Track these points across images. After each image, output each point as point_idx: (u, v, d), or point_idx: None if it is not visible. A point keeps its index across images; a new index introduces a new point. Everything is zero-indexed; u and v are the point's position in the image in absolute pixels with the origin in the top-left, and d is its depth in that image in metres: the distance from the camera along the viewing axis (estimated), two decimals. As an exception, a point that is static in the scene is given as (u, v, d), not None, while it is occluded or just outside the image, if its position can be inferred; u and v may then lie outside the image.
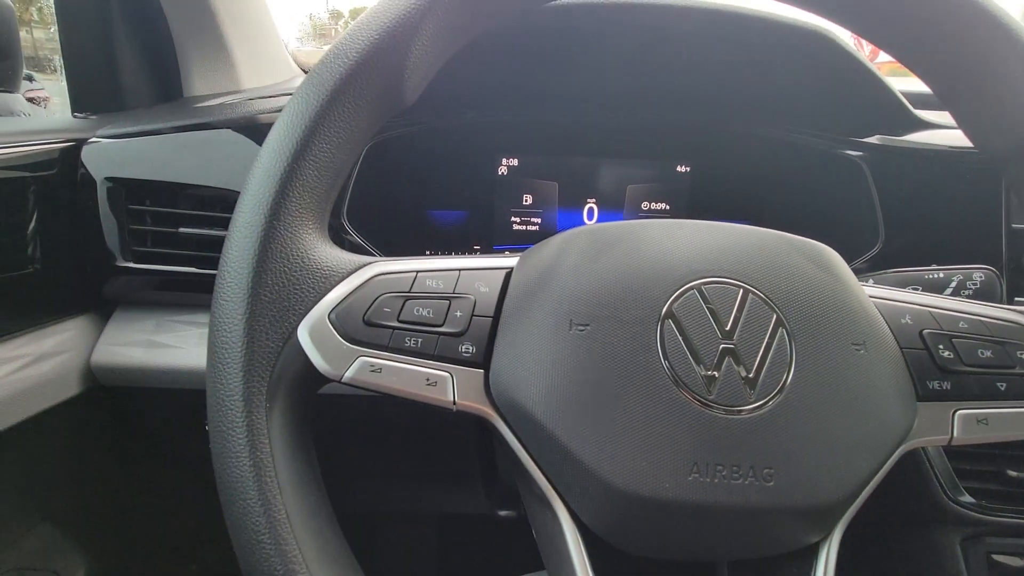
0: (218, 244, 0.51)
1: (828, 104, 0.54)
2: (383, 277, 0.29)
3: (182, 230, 0.49)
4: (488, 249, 0.66)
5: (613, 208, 0.66)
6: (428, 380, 0.28)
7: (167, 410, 0.53)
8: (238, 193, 0.49)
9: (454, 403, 0.28)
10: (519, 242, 0.67)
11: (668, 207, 0.65)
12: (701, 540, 0.26)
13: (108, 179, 0.48)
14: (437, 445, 0.61)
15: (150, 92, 0.60)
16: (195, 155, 0.49)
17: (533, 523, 0.30)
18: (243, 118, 0.50)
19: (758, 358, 0.26)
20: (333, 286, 0.28)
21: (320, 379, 0.27)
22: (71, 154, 0.49)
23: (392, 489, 0.72)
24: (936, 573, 0.52)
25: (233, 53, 0.63)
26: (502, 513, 0.57)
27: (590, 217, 0.67)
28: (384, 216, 0.60)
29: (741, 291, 0.27)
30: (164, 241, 0.50)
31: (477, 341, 0.28)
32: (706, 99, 0.60)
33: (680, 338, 0.26)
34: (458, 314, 0.29)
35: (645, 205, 0.66)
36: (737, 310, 0.26)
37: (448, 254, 0.57)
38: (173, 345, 0.50)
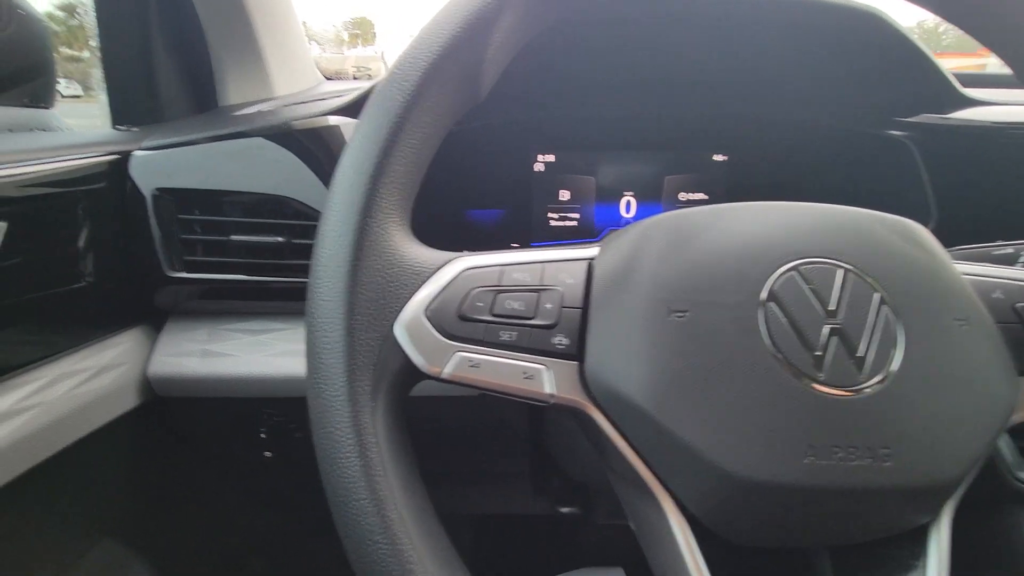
0: (269, 250, 0.51)
1: (873, 85, 0.54)
2: (471, 272, 0.29)
3: (233, 238, 0.49)
4: (526, 246, 0.66)
5: (651, 200, 0.66)
6: (525, 374, 0.27)
7: (222, 419, 0.53)
8: (286, 199, 0.50)
9: (552, 396, 0.27)
10: (556, 238, 0.66)
11: (706, 197, 0.65)
12: (812, 525, 0.26)
13: (158, 190, 0.49)
14: (476, 445, 0.61)
15: (187, 103, 0.60)
16: (241, 163, 0.49)
17: (633, 517, 0.30)
18: (286, 125, 0.50)
19: (865, 337, 0.25)
20: (424, 282, 0.28)
21: (417, 376, 0.27)
22: (117, 166, 0.49)
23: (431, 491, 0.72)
24: (1004, 553, 0.51)
25: (267, 61, 0.63)
26: (564, 510, 0.57)
27: (627, 211, 0.66)
28: (421, 216, 0.60)
29: (841, 271, 0.27)
30: (215, 250, 0.50)
31: (569, 333, 0.28)
32: (743, 85, 0.59)
33: (784, 319, 0.26)
34: (548, 306, 0.28)
35: (683, 196, 0.66)
36: (839, 289, 0.26)
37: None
38: (227, 353, 0.50)
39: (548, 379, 0.28)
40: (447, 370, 0.27)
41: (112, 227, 0.49)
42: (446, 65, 0.28)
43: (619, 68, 0.60)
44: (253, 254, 0.50)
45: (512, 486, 0.68)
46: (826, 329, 0.26)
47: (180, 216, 0.49)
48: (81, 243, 0.47)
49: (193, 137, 0.50)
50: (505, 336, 0.27)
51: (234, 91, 0.63)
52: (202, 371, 0.49)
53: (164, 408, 0.52)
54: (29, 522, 0.46)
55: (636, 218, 0.61)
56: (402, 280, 0.27)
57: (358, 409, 0.25)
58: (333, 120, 0.51)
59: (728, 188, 0.64)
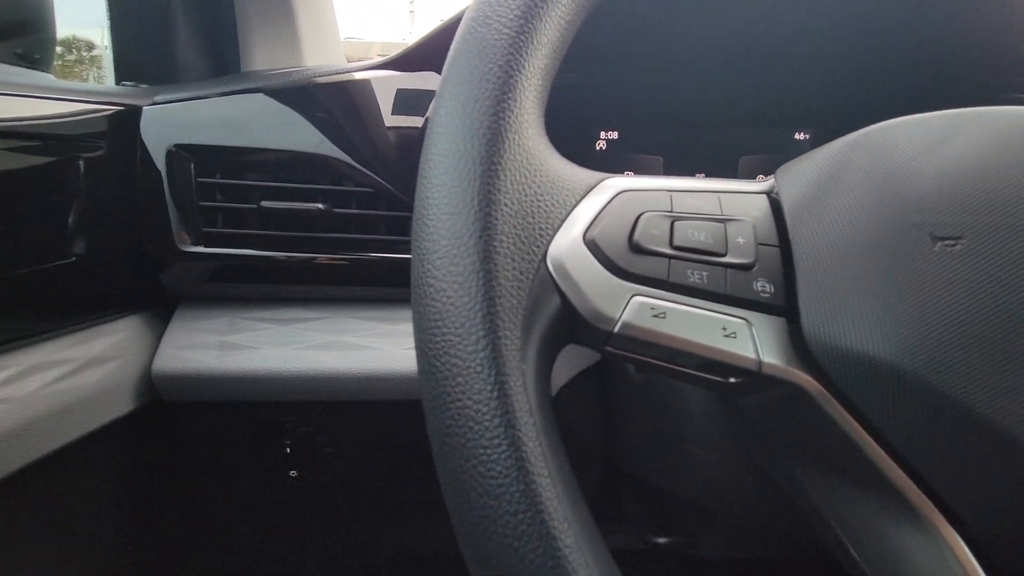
0: (304, 221, 0.43)
1: (988, 41, 0.48)
2: (633, 194, 0.21)
3: (264, 204, 0.40)
4: None
5: (724, 183, 0.59)
6: (725, 330, 0.19)
7: (238, 429, 0.44)
8: (327, 159, 0.42)
9: (759, 364, 0.19)
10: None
11: (786, 180, 0.58)
12: None
13: (174, 147, 0.40)
14: None
15: (205, 64, 0.53)
16: (273, 118, 0.42)
17: (860, 547, 0.21)
18: (324, 78, 0.43)
19: None
20: (578, 201, 0.20)
21: (578, 329, 0.19)
22: (121, 122, 0.41)
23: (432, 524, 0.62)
24: None
25: (299, 26, 0.56)
26: (660, 541, 0.48)
27: (697, 195, 0.59)
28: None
29: None
30: (239, 220, 0.42)
31: (772, 277, 0.20)
32: (829, 55, 0.53)
33: None
34: (740, 240, 0.21)
35: (760, 179, 0.59)
36: None
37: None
38: (249, 346, 0.41)
39: (753, 338, 0.19)
40: (624, 319, 0.18)
41: (111, 192, 0.41)
42: None
43: (690, 36, 0.54)
44: (285, 225, 0.41)
45: None
46: None
47: (199, 179, 0.41)
48: (71, 210, 0.39)
49: (217, 90, 0.43)
50: (694, 277, 0.19)
51: (261, 56, 0.56)
52: (218, 368, 0.40)
53: (167, 414, 0.42)
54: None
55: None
56: (552, 195, 0.19)
57: (506, 372, 0.16)
58: (381, 73, 0.44)
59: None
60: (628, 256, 0.19)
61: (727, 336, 0.19)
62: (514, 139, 0.18)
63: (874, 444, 0.19)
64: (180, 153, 0.41)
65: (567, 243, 0.19)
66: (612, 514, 0.54)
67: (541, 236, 0.18)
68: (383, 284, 0.43)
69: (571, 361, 0.45)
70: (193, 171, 0.41)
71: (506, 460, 0.16)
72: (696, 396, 0.36)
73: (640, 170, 0.58)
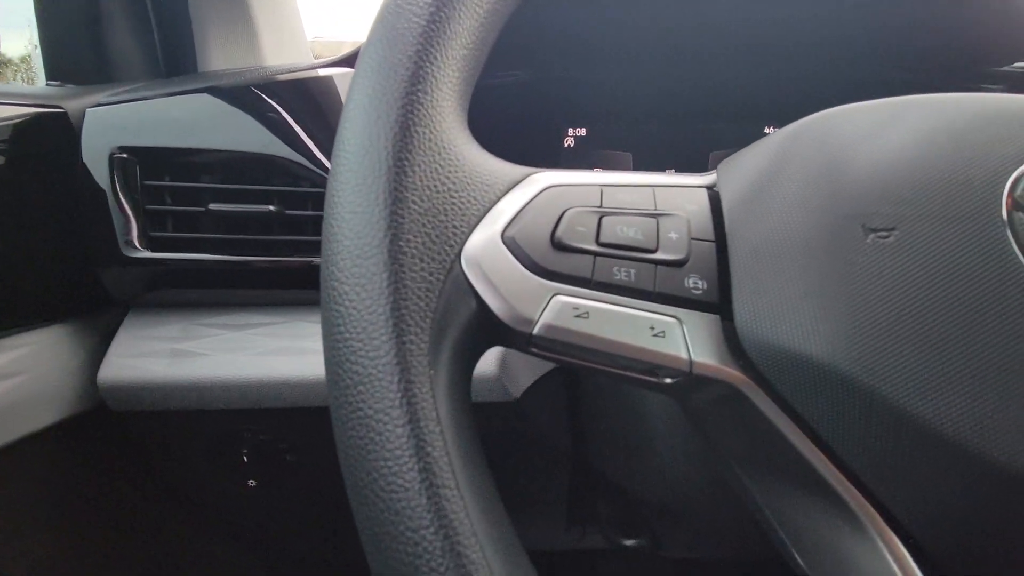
0: (255, 223, 0.41)
1: (957, 35, 0.48)
2: (560, 189, 0.20)
3: (212, 207, 0.39)
4: None
5: (694, 179, 0.58)
6: (654, 329, 0.18)
7: (191, 439, 0.42)
8: (277, 159, 0.41)
9: (690, 363, 0.18)
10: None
11: (757, 174, 0.58)
12: None
13: (119, 149, 0.39)
14: (496, 466, 0.51)
15: (147, 64, 0.51)
16: (221, 119, 0.41)
17: (799, 546, 0.20)
18: (272, 77, 0.42)
19: None
20: (498, 197, 0.19)
21: (495, 332, 0.18)
22: (52, 124, 0.40)
23: None
24: None
25: (258, 25, 0.55)
26: (628, 543, 0.47)
27: (668, 191, 0.59)
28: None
29: None
30: (188, 223, 0.40)
31: (705, 274, 0.19)
32: (798, 47, 0.53)
33: None
34: (673, 236, 0.20)
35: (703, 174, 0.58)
36: None
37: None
38: (202, 353, 0.40)
39: (684, 337, 0.19)
40: (543, 320, 0.17)
41: (42, 197, 0.39)
42: None
43: (658, 29, 0.53)
44: (237, 228, 0.40)
45: (547, 516, 0.57)
46: None
47: (146, 182, 0.40)
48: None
49: (163, 91, 0.41)
50: (621, 275, 0.19)
51: (217, 58, 0.54)
52: (169, 377, 0.39)
53: (120, 421, 0.41)
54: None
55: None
56: (468, 191, 0.18)
57: (411, 379, 0.15)
58: (328, 71, 0.42)
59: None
60: (550, 254, 0.18)
61: (656, 336, 0.18)
62: (425, 132, 0.17)
63: (811, 444, 0.18)
64: (124, 156, 0.39)
65: (483, 241, 0.18)
66: (585, 516, 0.54)
67: (455, 235, 0.17)
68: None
69: (535, 363, 0.44)
70: (139, 174, 0.39)
71: (408, 473, 0.15)
72: (659, 398, 0.35)
73: (609, 167, 0.57)
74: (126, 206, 0.39)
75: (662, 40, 0.54)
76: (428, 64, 0.18)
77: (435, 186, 0.17)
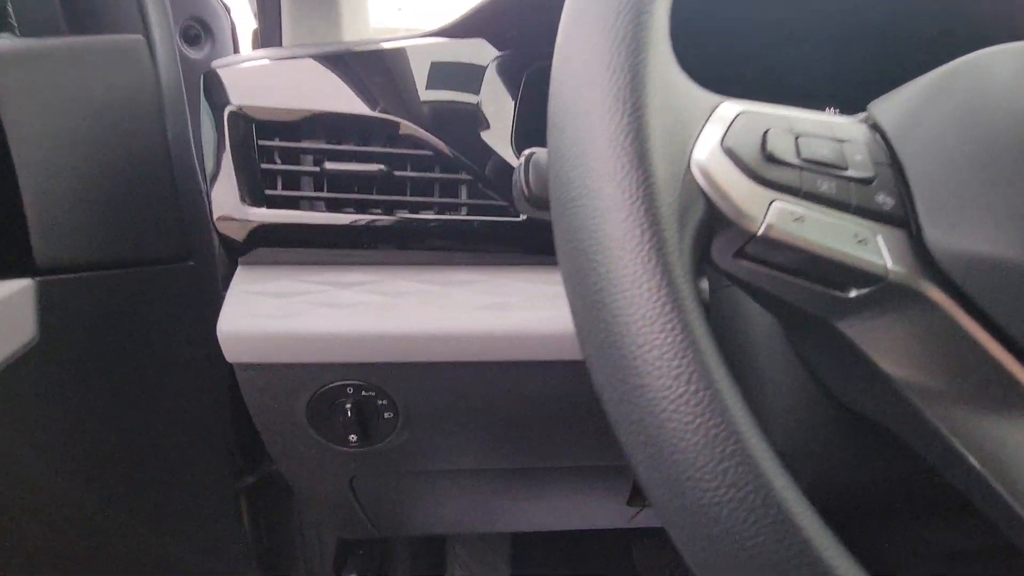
0: (362, 184, 0.43)
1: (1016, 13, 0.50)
2: (754, 113, 0.21)
3: (328, 166, 0.41)
4: None
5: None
6: (857, 236, 0.20)
7: (294, 391, 0.43)
8: (389, 122, 0.42)
9: (886, 270, 0.20)
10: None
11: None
12: None
13: (238, 108, 0.41)
14: (540, 427, 0.52)
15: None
16: (334, 82, 0.42)
17: (1001, 480, 0.21)
18: (382, 44, 0.43)
19: None
20: (708, 115, 0.20)
21: (726, 233, 0.19)
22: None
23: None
24: None
25: (340, 5, 0.57)
26: None
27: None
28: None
29: None
30: (294, 184, 0.42)
31: (891, 191, 0.21)
32: (858, 31, 0.55)
33: None
34: (857, 157, 0.21)
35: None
36: None
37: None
38: (312, 308, 0.41)
39: (882, 247, 0.20)
40: (768, 222, 0.19)
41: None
42: None
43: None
44: (341, 188, 0.42)
45: (611, 489, 0.58)
46: None
47: (260, 142, 0.41)
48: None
49: (276, 54, 0.43)
50: (824, 186, 0.20)
51: (301, 34, 0.56)
52: (282, 330, 0.40)
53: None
54: None
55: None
56: (690, 107, 0.20)
57: (673, 272, 0.17)
58: (428, 41, 0.44)
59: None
60: (764, 164, 0.20)
61: (859, 242, 0.20)
62: (656, 48, 0.19)
63: (1009, 354, 0.19)
64: (241, 115, 0.41)
65: (707, 150, 0.19)
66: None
67: (685, 142, 0.19)
68: (435, 248, 0.43)
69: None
70: (255, 133, 0.41)
71: (681, 365, 0.16)
72: (767, 339, 0.36)
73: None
74: (242, 164, 0.41)
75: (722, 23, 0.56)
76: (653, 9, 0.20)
77: (667, 98, 0.19)
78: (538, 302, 0.42)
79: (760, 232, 0.19)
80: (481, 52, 0.44)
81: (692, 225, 0.19)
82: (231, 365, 0.41)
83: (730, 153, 0.19)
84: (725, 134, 0.20)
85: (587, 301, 0.18)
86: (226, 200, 0.41)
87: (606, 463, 0.55)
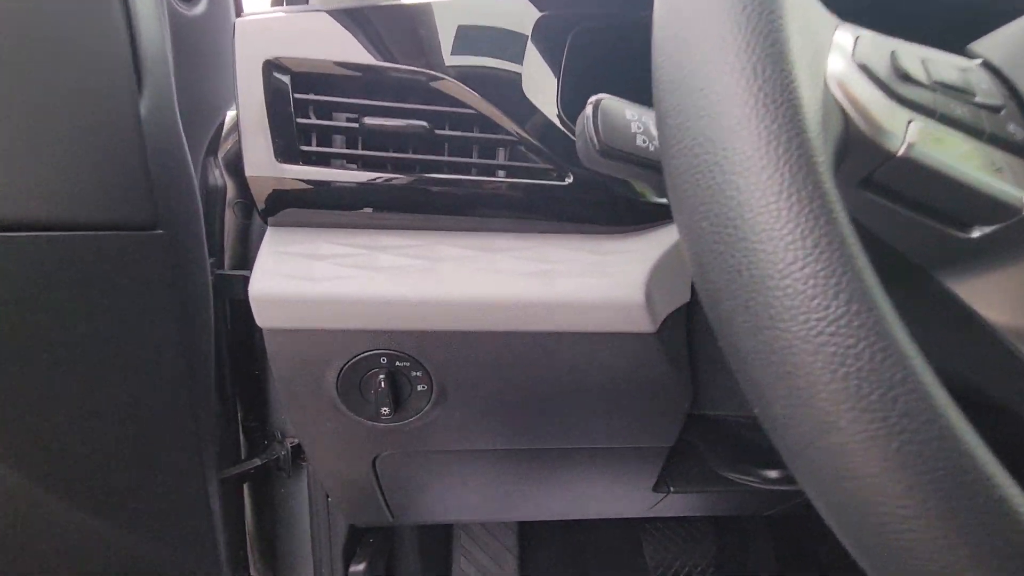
0: (400, 142, 0.41)
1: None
2: (871, 35, 0.20)
3: (368, 121, 0.39)
4: None
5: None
6: (994, 164, 0.18)
7: (327, 359, 0.41)
8: (430, 76, 0.40)
9: (1022, 203, 0.18)
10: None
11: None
12: None
13: (273, 60, 0.38)
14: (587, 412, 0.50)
15: None
16: (371, 35, 0.40)
17: None
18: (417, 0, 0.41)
19: None
20: (833, 32, 0.19)
21: (861, 152, 0.18)
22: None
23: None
24: None
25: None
26: (772, 475, 0.46)
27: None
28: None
29: None
30: (328, 140, 0.40)
31: (1020, 122, 0.19)
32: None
33: None
34: (984, 86, 0.20)
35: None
36: None
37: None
38: (343, 271, 0.39)
39: (1016, 177, 0.19)
40: (909, 141, 0.17)
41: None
42: None
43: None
44: (379, 146, 0.40)
45: (639, 472, 0.57)
46: None
47: (296, 96, 0.39)
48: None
49: (309, 8, 0.41)
50: (959, 111, 0.19)
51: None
52: (314, 293, 0.38)
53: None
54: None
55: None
56: (819, 22, 0.18)
57: (824, 184, 0.15)
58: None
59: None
60: (898, 82, 0.18)
61: (996, 171, 0.18)
62: None
63: None
64: (278, 65, 0.39)
65: (842, 66, 0.18)
66: (676, 474, 0.53)
67: (819, 52, 0.17)
68: (476, 212, 0.42)
69: (673, 295, 0.44)
70: (291, 87, 0.39)
71: (836, 262, 0.14)
72: None
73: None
74: (278, 119, 0.38)
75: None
76: None
77: (800, 14, 0.17)
78: (585, 269, 0.40)
79: (901, 152, 0.17)
80: (525, 10, 0.43)
81: (832, 141, 0.17)
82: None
83: (864, 68, 0.18)
84: (853, 51, 0.18)
85: (718, 221, 0.16)
86: (259, 157, 0.38)
87: (638, 444, 0.53)
